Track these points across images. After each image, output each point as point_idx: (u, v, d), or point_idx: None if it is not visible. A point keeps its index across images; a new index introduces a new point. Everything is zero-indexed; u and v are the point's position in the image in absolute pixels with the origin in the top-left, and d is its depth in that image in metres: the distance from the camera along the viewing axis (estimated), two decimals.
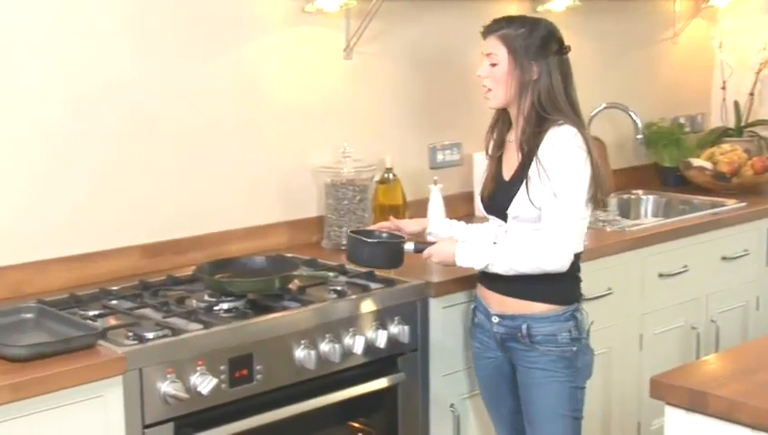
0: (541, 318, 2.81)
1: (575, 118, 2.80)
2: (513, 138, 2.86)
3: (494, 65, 2.81)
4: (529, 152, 2.77)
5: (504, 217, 2.85)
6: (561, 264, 2.74)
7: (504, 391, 2.97)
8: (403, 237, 2.97)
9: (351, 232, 2.98)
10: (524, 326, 2.82)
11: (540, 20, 2.90)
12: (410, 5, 3.80)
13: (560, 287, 2.83)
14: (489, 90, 2.84)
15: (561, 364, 2.82)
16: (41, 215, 2.98)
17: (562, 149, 2.72)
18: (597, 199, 2.80)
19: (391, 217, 3.16)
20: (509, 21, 2.84)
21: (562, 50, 2.83)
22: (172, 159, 3.25)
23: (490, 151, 2.94)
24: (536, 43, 2.79)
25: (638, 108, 4.30)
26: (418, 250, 2.89)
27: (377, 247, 2.91)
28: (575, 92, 2.84)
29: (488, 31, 2.85)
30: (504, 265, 2.76)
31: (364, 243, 2.90)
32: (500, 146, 2.92)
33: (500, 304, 2.87)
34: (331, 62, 3.64)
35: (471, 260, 2.80)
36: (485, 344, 2.96)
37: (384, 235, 3.01)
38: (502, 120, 2.92)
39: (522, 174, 2.78)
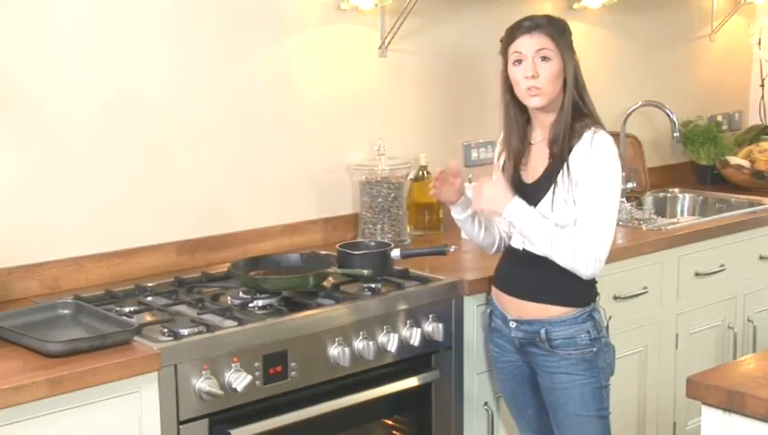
0: (558, 322, 2.79)
1: (599, 118, 2.78)
2: (537, 139, 2.82)
3: (545, 59, 2.71)
4: (558, 156, 2.73)
5: None
6: (592, 271, 2.71)
7: (527, 395, 2.95)
8: (390, 245, 3.09)
9: (339, 246, 3.09)
10: (543, 331, 2.79)
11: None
12: (445, 3, 3.80)
13: (575, 289, 2.79)
14: (538, 88, 2.72)
15: (581, 366, 2.79)
16: (77, 212, 3.00)
17: (603, 160, 2.69)
18: None
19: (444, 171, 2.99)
20: (543, 18, 2.76)
21: None
22: (208, 157, 3.26)
23: (513, 159, 2.84)
24: (569, 37, 2.76)
25: (675, 106, 4.26)
26: (405, 256, 3.01)
27: (364, 257, 3.02)
28: None
29: (533, 26, 2.72)
30: (544, 246, 2.70)
31: (351, 255, 3.02)
32: (522, 151, 2.84)
33: (517, 308, 2.84)
34: (366, 59, 3.64)
35: (515, 218, 2.71)
36: (503, 348, 2.93)
37: (372, 244, 3.18)
38: (518, 122, 2.83)
39: (549, 178, 2.75)
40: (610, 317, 2.97)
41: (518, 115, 2.83)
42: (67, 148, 2.97)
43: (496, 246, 2.98)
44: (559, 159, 2.73)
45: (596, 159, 2.69)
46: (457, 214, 2.97)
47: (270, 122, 3.40)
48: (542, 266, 2.75)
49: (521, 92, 2.76)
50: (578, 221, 2.70)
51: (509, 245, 2.89)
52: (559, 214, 2.72)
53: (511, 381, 2.97)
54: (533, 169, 2.81)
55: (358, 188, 3.56)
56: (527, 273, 2.80)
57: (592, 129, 2.72)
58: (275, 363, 2.64)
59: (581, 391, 2.80)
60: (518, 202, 2.73)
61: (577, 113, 2.75)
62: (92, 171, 3.02)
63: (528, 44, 2.73)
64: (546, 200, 2.74)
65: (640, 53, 4.59)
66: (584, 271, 2.71)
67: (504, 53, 2.79)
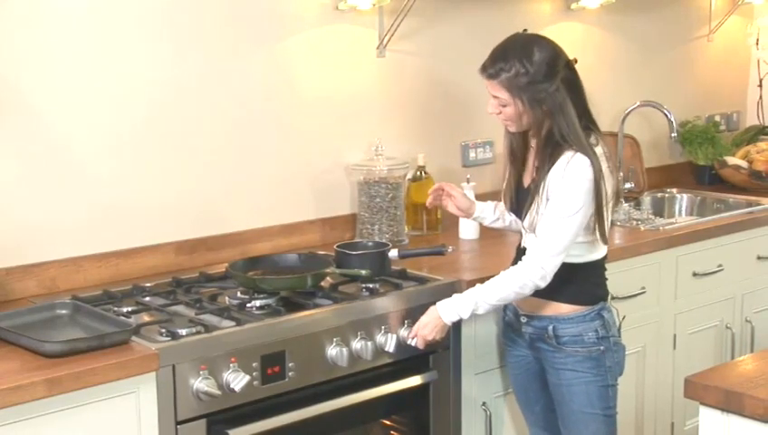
0: (566, 319, 2.81)
1: (587, 144, 2.69)
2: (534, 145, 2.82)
3: (502, 105, 2.72)
4: (540, 170, 2.72)
5: (522, 220, 2.83)
6: (539, 283, 2.69)
7: (536, 390, 2.97)
8: (388, 245, 3.10)
9: (338, 246, 3.10)
10: (551, 328, 2.82)
11: (536, 42, 2.72)
12: (443, 3, 3.80)
13: (583, 288, 2.81)
14: (505, 120, 2.76)
15: (588, 364, 2.81)
16: (76, 212, 3.00)
17: (572, 180, 2.65)
18: (602, 230, 2.75)
19: (442, 184, 3.10)
20: (504, 58, 2.68)
21: (569, 64, 2.72)
22: (206, 157, 3.26)
23: (514, 161, 2.87)
24: (541, 73, 2.65)
25: (673, 106, 4.26)
26: (403, 256, 3.05)
27: (362, 257, 3.02)
28: (587, 102, 2.77)
29: (487, 76, 2.72)
30: (491, 298, 2.72)
31: (349, 255, 3.03)
32: (522, 151, 2.85)
33: (528, 304, 2.85)
34: (364, 59, 3.64)
35: (456, 311, 2.73)
36: (515, 342, 2.96)
37: (370, 244, 3.18)
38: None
39: (533, 189, 2.74)
40: (624, 317, 2.98)
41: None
42: (66, 148, 2.96)
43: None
44: (539, 173, 2.73)
45: (567, 178, 2.66)
46: (486, 222, 3.10)
47: (268, 122, 3.40)
48: None
49: None
50: (537, 234, 2.70)
51: (520, 243, 2.90)
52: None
53: (521, 376, 2.99)
54: (530, 172, 2.82)
55: (356, 189, 3.56)
56: None
57: (571, 152, 2.67)
58: (273, 364, 2.64)
59: (587, 389, 2.82)
60: (444, 303, 2.75)
61: (564, 141, 2.69)
62: (91, 172, 3.02)
63: (488, 86, 2.75)
64: (530, 213, 2.74)
65: (638, 54, 4.59)
66: (530, 278, 2.69)
67: None
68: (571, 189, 2.66)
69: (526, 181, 2.83)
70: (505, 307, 2.96)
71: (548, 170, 2.69)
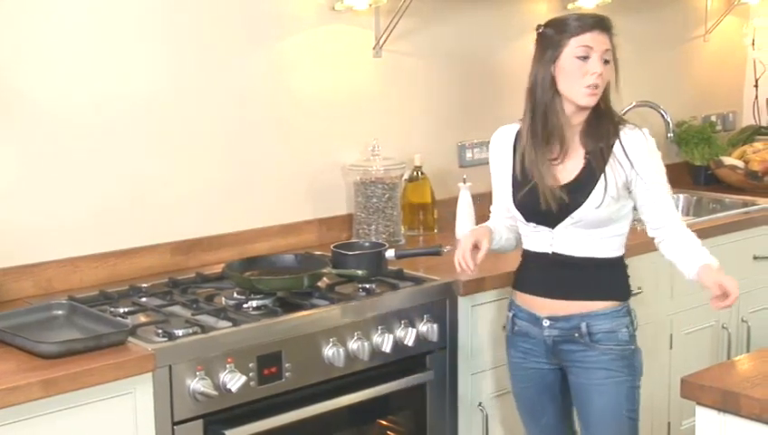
0: (600, 315, 2.73)
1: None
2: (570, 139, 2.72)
3: (606, 62, 2.70)
4: (594, 152, 2.68)
5: (552, 224, 2.72)
6: None
7: (545, 402, 2.88)
8: (385, 245, 3.11)
9: (334, 247, 3.10)
10: (584, 325, 2.72)
11: None
12: (440, 4, 3.80)
13: (618, 282, 2.78)
14: (597, 87, 2.68)
15: (620, 363, 2.74)
16: (73, 212, 3.00)
17: (658, 154, 2.77)
18: None
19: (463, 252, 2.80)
20: (606, 18, 2.75)
21: None
22: (203, 157, 3.26)
23: (548, 160, 2.71)
24: None
25: (669, 106, 4.27)
26: (399, 256, 3.04)
27: (359, 258, 3.03)
28: None
29: (603, 27, 2.70)
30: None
31: (345, 255, 3.03)
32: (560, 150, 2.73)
33: (551, 306, 2.76)
34: (360, 60, 3.64)
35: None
36: (530, 353, 2.83)
37: (366, 244, 3.19)
38: (564, 118, 2.71)
39: (591, 176, 2.68)
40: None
41: (534, 119, 2.72)
42: (63, 149, 2.96)
43: (517, 242, 2.91)
44: (600, 156, 2.69)
45: (654, 153, 2.76)
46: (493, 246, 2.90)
47: (265, 123, 3.40)
48: (579, 266, 2.73)
49: (578, 89, 2.66)
50: (660, 212, 2.77)
51: (527, 249, 2.82)
52: (605, 209, 2.69)
53: (531, 389, 2.88)
54: (568, 168, 2.72)
55: (352, 189, 3.56)
56: (564, 274, 2.75)
57: (629, 125, 2.76)
58: (270, 364, 2.64)
59: (617, 389, 2.75)
60: (711, 257, 2.87)
61: (608, 111, 2.76)
62: (88, 172, 3.02)
63: (599, 42, 2.67)
64: (593, 199, 2.67)
65: (634, 54, 4.58)
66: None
67: (558, 44, 2.67)
68: (660, 165, 2.77)
69: (565, 178, 2.70)
70: (515, 316, 2.85)
71: (609, 147, 2.71)
